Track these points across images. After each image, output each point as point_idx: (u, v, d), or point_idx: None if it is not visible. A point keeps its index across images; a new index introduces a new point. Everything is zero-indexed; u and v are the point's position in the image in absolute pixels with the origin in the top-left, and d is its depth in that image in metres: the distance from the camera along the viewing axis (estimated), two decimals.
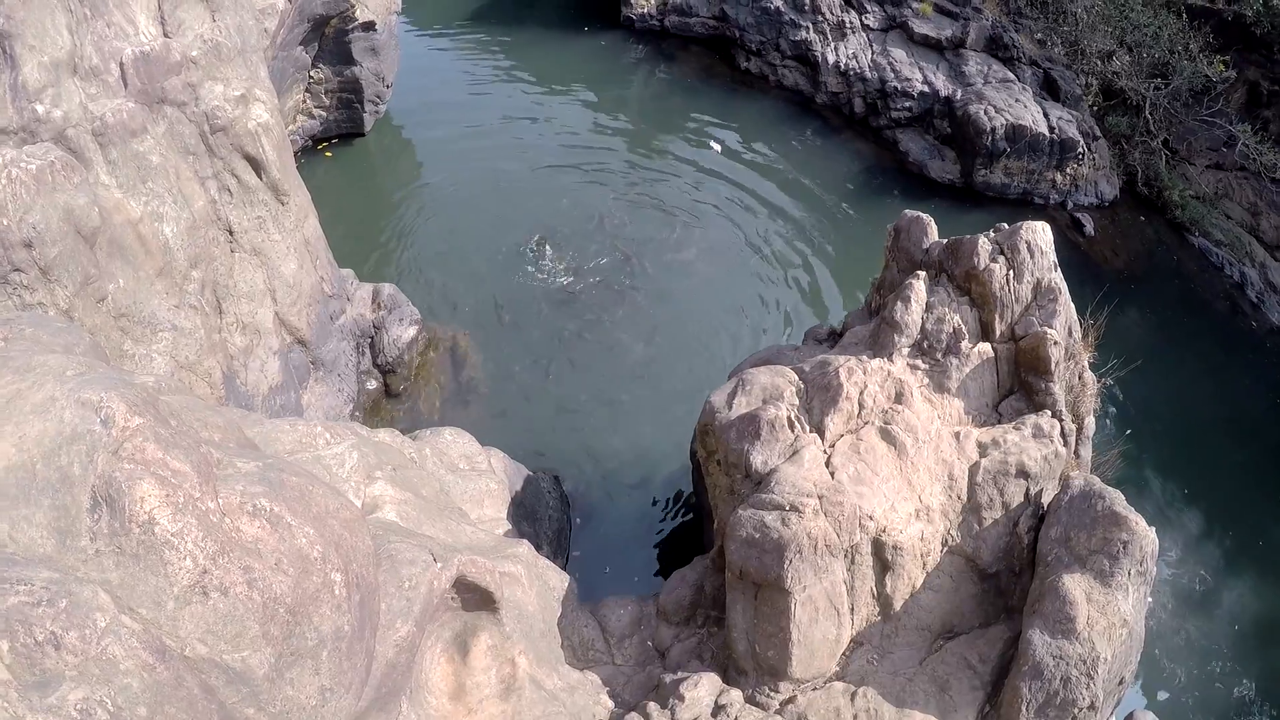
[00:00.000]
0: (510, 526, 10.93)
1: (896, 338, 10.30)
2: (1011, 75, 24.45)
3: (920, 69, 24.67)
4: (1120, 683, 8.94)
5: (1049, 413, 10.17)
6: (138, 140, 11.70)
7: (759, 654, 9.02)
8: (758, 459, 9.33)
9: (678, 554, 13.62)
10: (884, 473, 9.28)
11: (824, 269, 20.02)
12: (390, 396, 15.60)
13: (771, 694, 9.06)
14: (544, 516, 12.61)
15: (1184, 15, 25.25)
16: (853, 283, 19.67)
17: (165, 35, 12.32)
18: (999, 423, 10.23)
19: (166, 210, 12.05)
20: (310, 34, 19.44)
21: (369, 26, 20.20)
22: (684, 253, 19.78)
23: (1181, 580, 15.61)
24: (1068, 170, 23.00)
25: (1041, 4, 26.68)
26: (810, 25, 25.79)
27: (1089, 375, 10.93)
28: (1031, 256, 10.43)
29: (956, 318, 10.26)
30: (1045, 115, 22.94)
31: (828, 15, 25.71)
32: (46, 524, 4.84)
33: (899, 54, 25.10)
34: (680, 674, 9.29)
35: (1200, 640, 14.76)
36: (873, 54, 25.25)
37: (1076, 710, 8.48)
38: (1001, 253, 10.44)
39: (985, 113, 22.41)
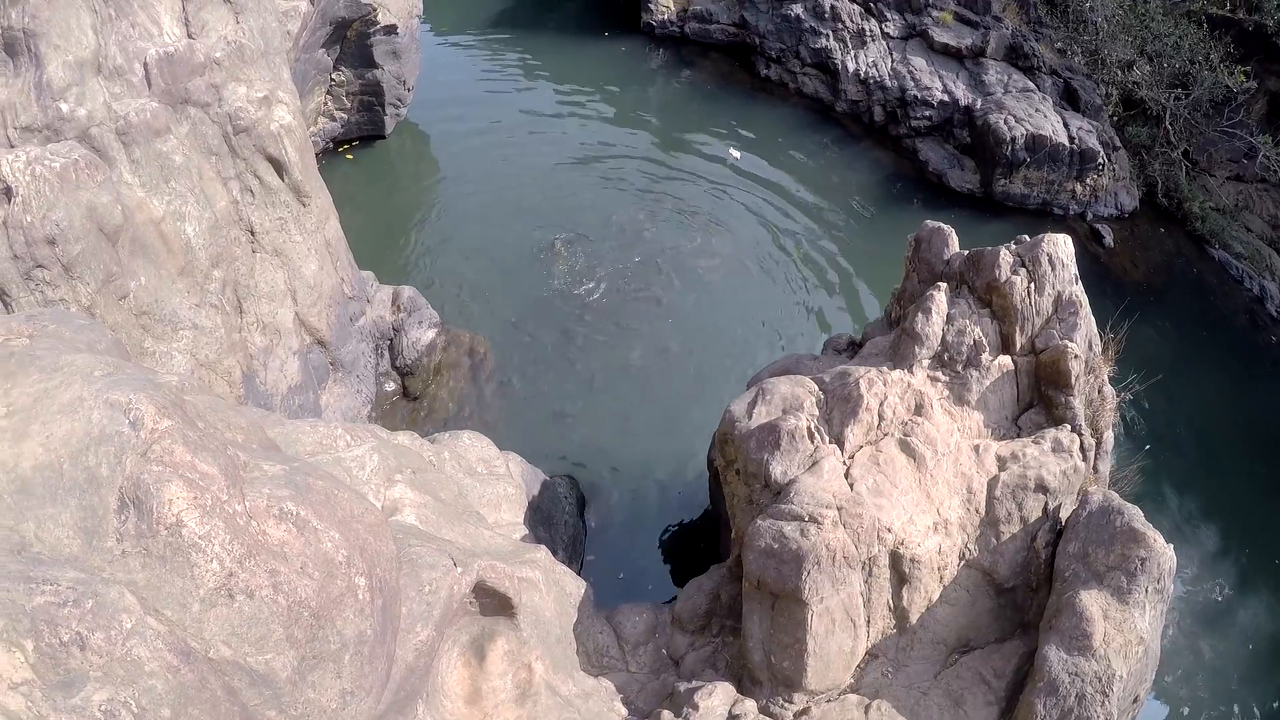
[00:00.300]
0: (527, 531, 10.94)
1: (917, 349, 10.28)
2: (1032, 85, 24.36)
3: (940, 77, 24.62)
4: (1135, 701, 8.90)
5: (1068, 427, 10.14)
6: (161, 140, 11.79)
7: (774, 664, 9.00)
8: (777, 469, 9.31)
9: (692, 562, 13.60)
10: (903, 485, 9.26)
11: (843, 278, 19.98)
12: (408, 399, 15.65)
13: (786, 705, 9.04)
14: (559, 521, 12.62)
15: (1205, 25, 25.10)
16: (871, 292, 19.63)
17: (189, 36, 12.41)
18: (1018, 436, 10.20)
19: (189, 210, 12.14)
20: (332, 36, 19.53)
21: (390, 30, 20.29)
22: (702, 259, 19.79)
23: (1197, 597, 15.50)
24: (1087, 181, 22.90)
25: (1062, 13, 26.57)
26: (830, 33, 25.76)
27: (1108, 389, 10.87)
28: (1053, 269, 10.40)
29: (977, 330, 10.23)
30: (1065, 125, 22.86)
31: (848, 23, 25.68)
32: (73, 524, 4.87)
33: (919, 62, 25.05)
34: (695, 683, 9.29)
35: (1214, 659, 14.65)
36: (893, 62, 25.21)
37: None
38: (1023, 265, 10.41)
39: (1005, 122, 22.35)
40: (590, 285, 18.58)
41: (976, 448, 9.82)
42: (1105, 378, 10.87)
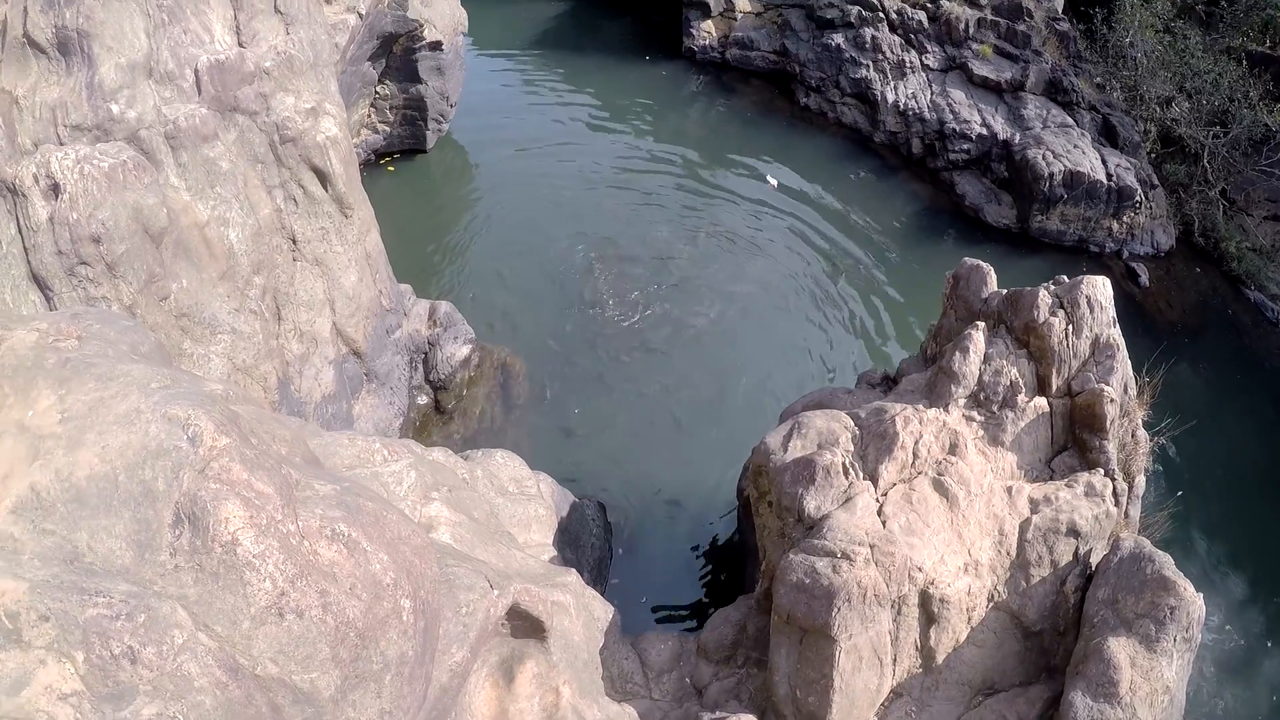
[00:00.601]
0: (555, 552, 10.98)
1: (953, 388, 10.27)
2: (1070, 120, 24.31)
3: (979, 111, 24.61)
4: None
5: (1102, 471, 10.09)
6: (208, 146, 11.96)
7: (799, 699, 8.98)
8: (811, 504, 9.32)
9: (717, 591, 13.60)
10: (935, 524, 9.24)
11: (876, 310, 19.97)
12: (440, 413, 15.76)
13: None
14: (586, 544, 12.65)
15: (1244, 62, 24.99)
16: (906, 325, 19.60)
17: (240, 45, 12.60)
18: (1051, 479, 10.16)
19: (233, 215, 12.30)
20: (379, 51, 19.78)
21: (436, 46, 20.52)
22: (737, 285, 19.83)
23: (1223, 646, 15.32)
24: (1124, 219, 22.80)
25: (1102, 48, 26.52)
26: (870, 63, 25.84)
27: (1142, 433, 10.83)
28: (1091, 312, 10.38)
29: (1014, 370, 10.21)
30: (1103, 162, 22.79)
31: (888, 54, 25.74)
32: (126, 536, 4.94)
33: (958, 95, 25.07)
34: (717, 713, 9.29)
35: (1238, 708, 14.46)
36: (932, 94, 25.23)
37: None
38: (1061, 306, 10.39)
39: (1044, 158, 22.31)
40: (625, 306, 18.67)
41: (1009, 489, 9.79)
42: (1139, 421, 10.82)
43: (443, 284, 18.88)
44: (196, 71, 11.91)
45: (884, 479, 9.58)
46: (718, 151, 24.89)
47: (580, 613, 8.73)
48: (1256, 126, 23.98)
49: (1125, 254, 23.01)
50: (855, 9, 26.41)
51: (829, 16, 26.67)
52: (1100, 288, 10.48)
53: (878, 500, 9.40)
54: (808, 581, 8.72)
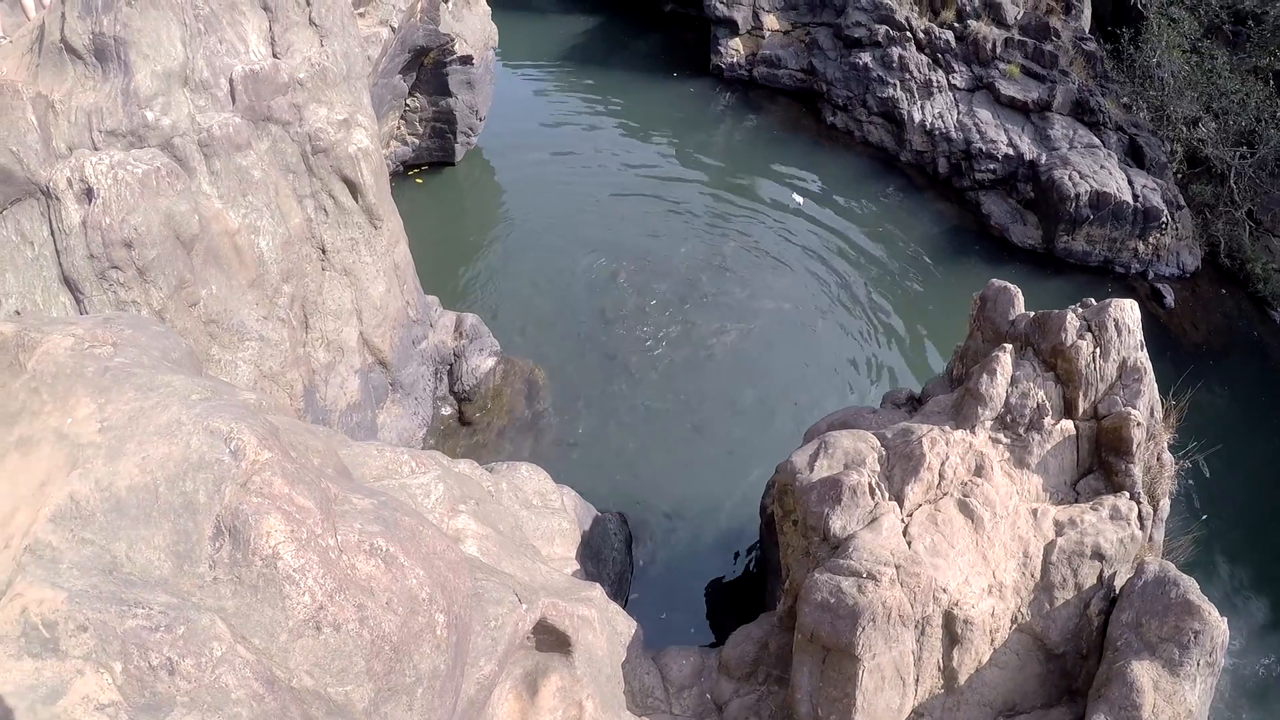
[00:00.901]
0: (578, 566, 11.01)
1: (980, 410, 10.26)
2: (1097, 140, 24.24)
3: (1005, 131, 24.58)
4: None
5: (1127, 494, 10.04)
6: (241, 154, 12.10)
7: (820, 717, 8.97)
8: (837, 523, 9.32)
9: (737, 607, 13.59)
10: (960, 545, 9.23)
11: (900, 329, 19.96)
12: (464, 424, 15.84)
13: None
14: (608, 558, 12.69)
15: (1271, 83, 24.86)
16: (930, 345, 19.59)
17: (274, 56, 12.74)
18: (1076, 501, 10.13)
19: (264, 224, 12.42)
20: (410, 63, 19.95)
21: (466, 60, 20.69)
22: (761, 301, 19.87)
23: (1243, 670, 15.19)
24: (1150, 240, 22.71)
25: (1128, 68, 26.44)
26: (898, 83, 25.87)
27: (1167, 456, 10.77)
28: (1119, 335, 10.34)
29: (1041, 393, 10.19)
30: (1130, 183, 22.70)
31: (915, 74, 25.76)
32: (165, 547, 5.00)
33: (985, 115, 25.04)
34: None
35: None
36: (958, 114, 25.22)
37: None
38: (1089, 329, 10.36)
39: (1070, 178, 22.25)
40: (650, 321, 18.75)
41: (1035, 511, 9.77)
42: (1165, 445, 10.78)
43: (469, 296, 19.00)
44: (231, 81, 12.07)
45: (910, 500, 9.57)
46: (744, 169, 24.98)
47: (604, 627, 8.77)
48: None
49: (1150, 275, 22.91)
50: (883, 28, 26.45)
51: (856, 35, 26.73)
52: (1128, 311, 10.44)
53: (903, 521, 9.39)
54: (833, 601, 8.72)
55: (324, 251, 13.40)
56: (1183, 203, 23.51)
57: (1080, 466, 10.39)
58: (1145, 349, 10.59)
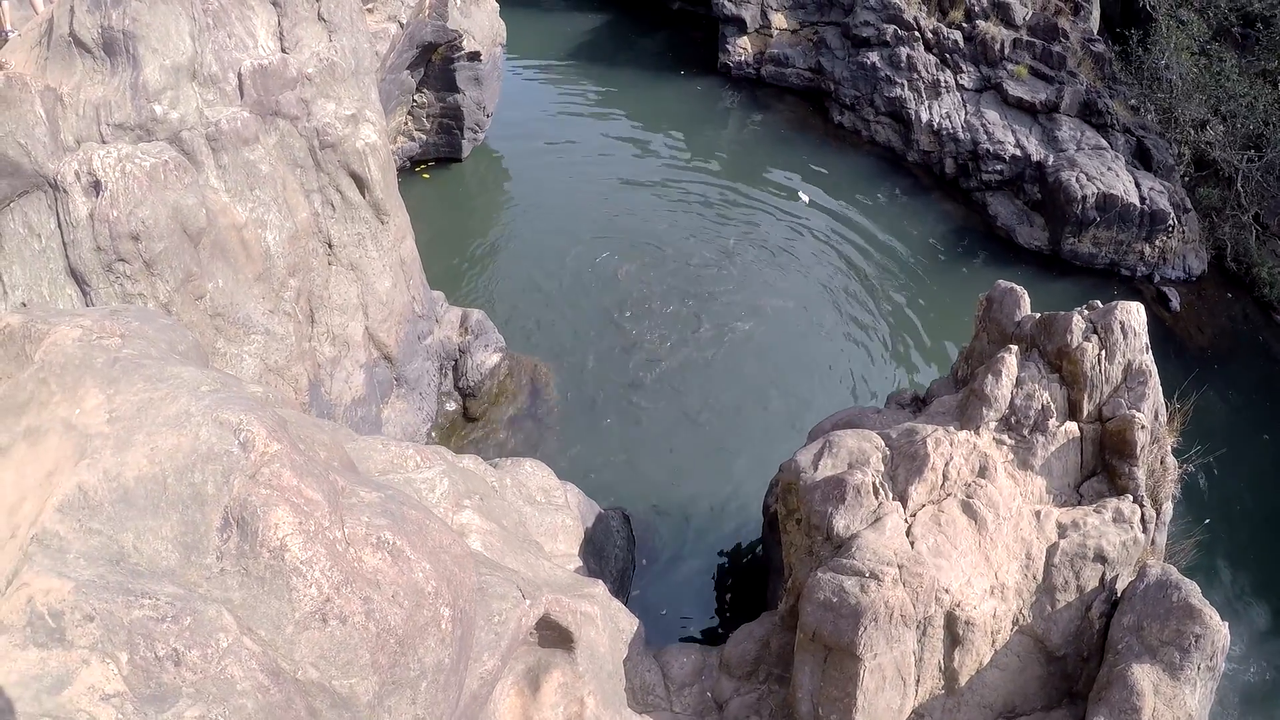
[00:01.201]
0: (580, 563, 11.04)
1: (984, 411, 10.26)
2: (1104, 142, 24.20)
3: (1013, 132, 24.55)
4: None
5: (1130, 497, 10.05)
6: (249, 149, 12.12)
7: (821, 717, 9.00)
8: (840, 523, 9.34)
9: (739, 606, 13.62)
10: (963, 546, 9.24)
11: (905, 329, 19.97)
12: (468, 420, 15.88)
13: None
14: (611, 555, 12.71)
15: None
16: (935, 346, 19.58)
17: (283, 51, 12.77)
18: (1080, 504, 10.14)
19: (271, 218, 12.45)
20: (418, 59, 19.99)
21: (474, 56, 20.72)
22: (767, 300, 19.90)
23: (1243, 675, 15.19)
24: (1156, 242, 22.66)
25: (1136, 70, 26.38)
26: (905, 82, 25.84)
27: (1171, 460, 10.78)
28: (1124, 337, 10.35)
29: (1045, 395, 10.20)
30: (1137, 185, 22.67)
31: (923, 74, 25.73)
32: (173, 538, 5.02)
33: (992, 115, 25.01)
34: None
35: None
36: (966, 114, 25.18)
37: None
38: (1095, 332, 10.37)
39: (1077, 180, 22.22)
40: (655, 319, 18.78)
41: (1038, 513, 9.78)
42: (1169, 448, 10.78)
43: (475, 292, 19.04)
44: (239, 75, 12.09)
45: (913, 500, 9.58)
46: (751, 167, 24.98)
47: (606, 624, 8.79)
48: None
49: (1157, 278, 22.87)
50: (891, 28, 26.42)
51: (865, 35, 26.70)
52: (1134, 313, 10.45)
53: (907, 521, 9.40)
54: (835, 600, 8.73)
55: (330, 246, 13.43)
56: (1189, 206, 23.47)
57: (1084, 469, 10.41)
58: (1150, 352, 10.60)
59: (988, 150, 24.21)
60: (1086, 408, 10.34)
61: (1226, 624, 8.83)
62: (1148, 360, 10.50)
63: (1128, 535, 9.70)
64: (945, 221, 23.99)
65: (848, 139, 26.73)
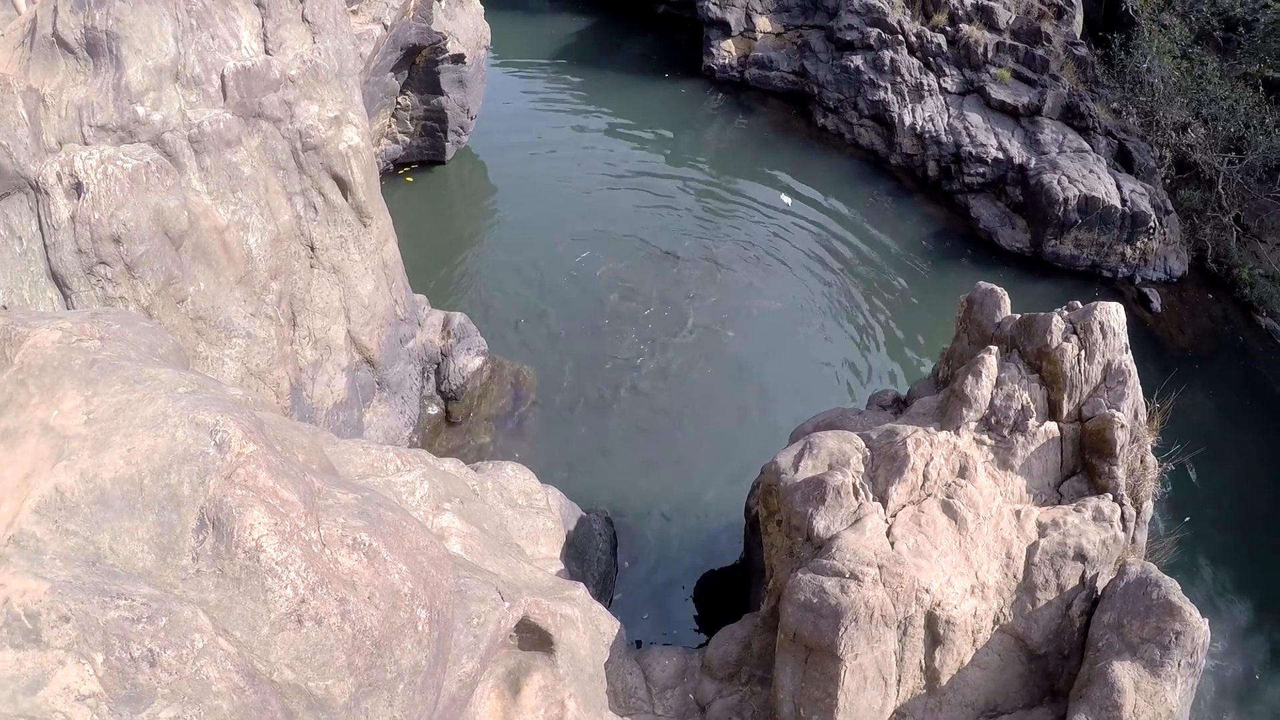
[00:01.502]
0: (562, 566, 11.03)
1: (965, 411, 10.31)
2: (1086, 145, 24.35)
3: (995, 135, 24.68)
4: None
5: (1110, 496, 10.11)
6: (232, 151, 12.07)
7: (803, 717, 9.01)
8: (820, 524, 9.36)
9: (721, 608, 13.63)
10: (943, 546, 9.28)
11: (888, 331, 20.05)
12: (450, 423, 15.86)
13: None
14: (593, 558, 12.71)
15: (1261, 89, 25.00)
16: (915, 347, 19.67)
17: (267, 52, 12.73)
18: (1060, 503, 10.19)
19: (253, 221, 12.40)
20: (402, 62, 19.95)
21: (458, 59, 20.70)
22: (749, 303, 19.95)
23: (1226, 672, 15.30)
24: (1138, 244, 22.82)
25: (1119, 73, 26.57)
26: (889, 86, 25.95)
27: (1151, 459, 10.84)
28: (1104, 337, 10.41)
29: (1025, 395, 10.25)
30: (1118, 187, 22.82)
31: (906, 77, 25.85)
32: (149, 539, 5.01)
33: (975, 119, 25.14)
34: None
35: None
36: (949, 117, 25.31)
37: None
38: (1074, 332, 10.43)
39: (1059, 183, 22.35)
40: (638, 322, 18.80)
41: (1018, 513, 9.83)
42: (1149, 447, 10.85)
43: (457, 295, 19.03)
44: (223, 77, 12.05)
45: (894, 500, 9.62)
46: (735, 170, 25.06)
47: (587, 627, 8.79)
48: (1272, 153, 23.99)
49: (1138, 279, 23.04)
50: (875, 31, 26.54)
51: (848, 38, 26.81)
52: (1113, 314, 10.50)
53: (887, 521, 9.43)
54: (815, 601, 8.76)
55: (313, 249, 13.39)
56: (1171, 208, 23.64)
57: (1064, 468, 10.45)
58: (1130, 352, 10.66)
59: (970, 153, 24.33)
60: (1066, 407, 10.39)
61: (1207, 620, 8.88)
62: (1127, 360, 10.56)
63: (1107, 534, 9.75)
64: (928, 224, 24.10)
65: (831, 142, 26.83)
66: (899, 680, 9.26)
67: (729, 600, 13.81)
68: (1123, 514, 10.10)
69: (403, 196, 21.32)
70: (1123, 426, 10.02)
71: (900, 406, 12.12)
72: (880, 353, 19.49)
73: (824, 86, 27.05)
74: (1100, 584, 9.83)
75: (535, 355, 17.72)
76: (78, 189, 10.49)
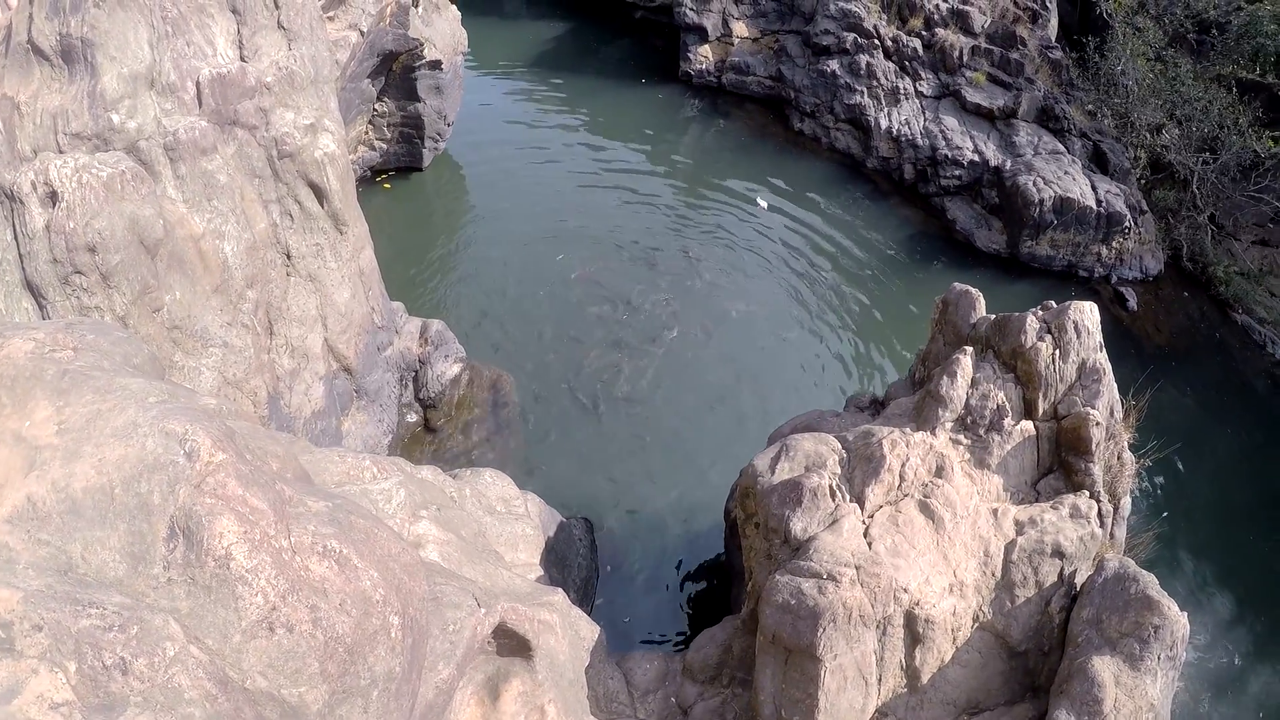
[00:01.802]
0: (542, 572, 11.02)
1: (940, 412, 10.36)
2: (1061, 146, 24.54)
3: (971, 137, 24.84)
4: None
5: (1087, 493, 10.17)
6: (207, 159, 12.01)
7: (784, 719, 9.03)
8: (798, 526, 9.39)
9: (703, 611, 13.65)
10: (920, 546, 9.32)
11: (866, 333, 20.13)
12: (429, 431, 15.82)
13: None
14: (574, 564, 12.70)
15: (1234, 90, 25.23)
16: (893, 349, 19.75)
17: (242, 59, 12.66)
18: (1037, 501, 10.25)
19: (228, 229, 12.34)
20: (378, 68, 19.92)
21: (435, 65, 20.69)
22: (727, 307, 20.00)
23: (1208, 664, 15.39)
24: (1113, 244, 23.01)
25: (1093, 75, 26.77)
26: (865, 90, 26.09)
27: (1128, 455, 10.91)
28: (1078, 336, 10.48)
29: (1001, 395, 10.31)
30: (1093, 188, 23.00)
31: (882, 81, 26.00)
32: (120, 548, 5.00)
33: (950, 122, 25.29)
34: None
35: None
36: (925, 121, 25.46)
37: None
38: (1049, 331, 10.50)
39: (1034, 184, 22.51)
40: (617, 327, 18.80)
41: (995, 511, 9.88)
42: (1125, 444, 10.92)
43: (435, 302, 19.01)
44: (198, 84, 11.98)
45: (871, 501, 9.65)
46: (712, 175, 25.15)
47: (566, 632, 8.78)
48: (1245, 153, 24.21)
49: (1114, 279, 23.21)
50: (851, 36, 26.68)
51: (825, 43, 26.94)
52: (1087, 313, 10.58)
53: (864, 522, 9.47)
54: (793, 602, 8.78)
55: (289, 257, 13.34)
56: (1146, 208, 23.85)
57: (1040, 466, 10.52)
58: (1104, 350, 10.74)
59: (946, 156, 24.47)
60: (1042, 406, 10.46)
61: (1186, 614, 8.93)
62: (1101, 358, 10.64)
63: (1085, 530, 9.81)
64: (905, 227, 24.23)
65: (808, 146, 26.95)
66: (880, 680, 9.29)
67: (711, 603, 13.83)
68: (1100, 510, 10.17)
69: (381, 204, 21.30)
70: (1098, 424, 10.09)
71: (878, 408, 12.18)
72: (859, 355, 19.57)
73: (800, 91, 27.16)
74: (1079, 580, 9.89)
75: (514, 361, 17.70)
76: (53, 198, 10.42)
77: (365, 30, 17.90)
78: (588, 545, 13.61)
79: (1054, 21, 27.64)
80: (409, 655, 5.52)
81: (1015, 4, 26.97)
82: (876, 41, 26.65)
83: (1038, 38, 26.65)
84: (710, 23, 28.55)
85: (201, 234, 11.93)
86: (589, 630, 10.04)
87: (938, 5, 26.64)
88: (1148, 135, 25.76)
